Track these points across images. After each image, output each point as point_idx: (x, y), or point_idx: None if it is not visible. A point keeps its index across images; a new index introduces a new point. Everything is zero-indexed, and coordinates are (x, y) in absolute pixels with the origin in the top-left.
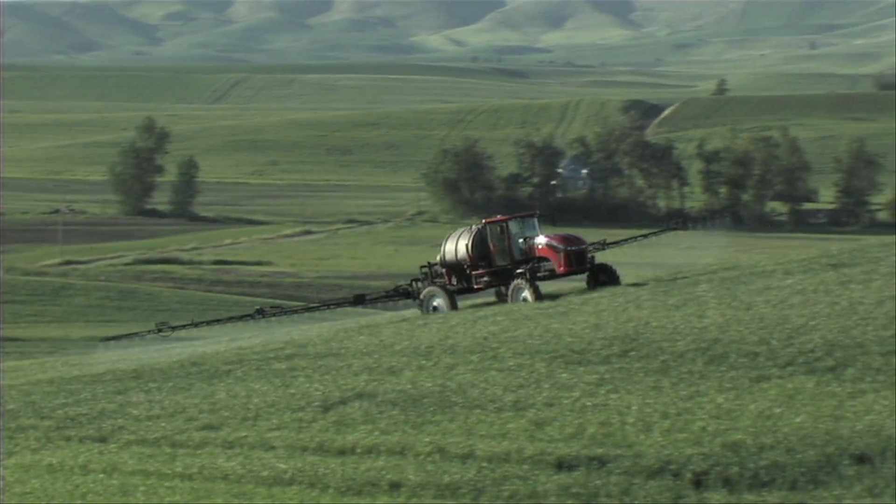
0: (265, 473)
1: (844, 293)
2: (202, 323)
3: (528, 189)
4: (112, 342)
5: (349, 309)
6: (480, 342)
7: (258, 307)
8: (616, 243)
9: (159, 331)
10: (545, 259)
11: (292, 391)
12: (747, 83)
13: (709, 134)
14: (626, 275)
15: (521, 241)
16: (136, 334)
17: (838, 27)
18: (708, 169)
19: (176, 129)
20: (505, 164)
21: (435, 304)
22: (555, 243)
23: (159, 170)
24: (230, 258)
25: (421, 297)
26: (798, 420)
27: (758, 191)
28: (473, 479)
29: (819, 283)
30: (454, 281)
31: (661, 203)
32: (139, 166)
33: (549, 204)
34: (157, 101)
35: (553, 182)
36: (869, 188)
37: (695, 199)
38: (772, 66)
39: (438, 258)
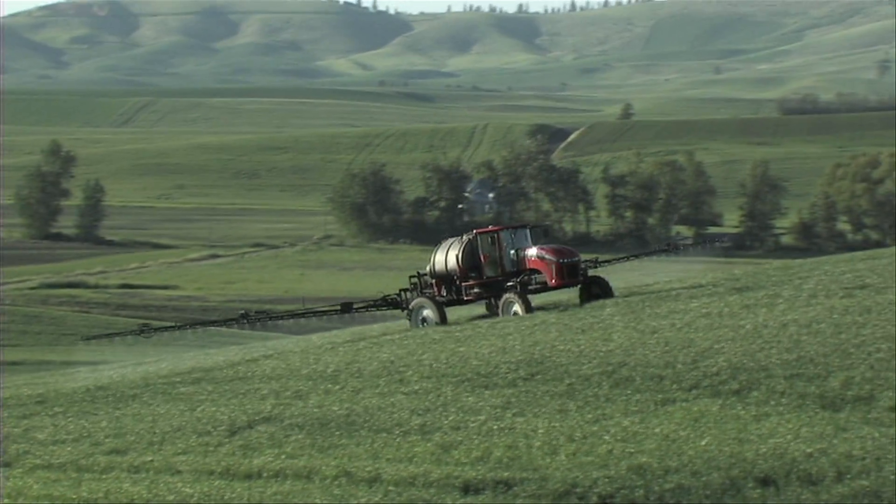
0: (171, 498)
1: (749, 317)
2: (185, 326)
3: (436, 213)
4: (92, 341)
5: (257, 332)
6: (387, 366)
7: (243, 311)
8: (608, 262)
9: (140, 332)
10: (537, 271)
11: (199, 415)
12: (653, 107)
13: (614, 158)
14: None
15: (512, 252)
16: (116, 334)
17: (743, 52)
18: (614, 193)
19: (82, 153)
20: (412, 187)
21: (423, 315)
22: (546, 255)
23: (65, 193)
24: (136, 282)
25: (410, 307)
26: (703, 443)
27: (663, 214)
28: (380, 503)
29: (724, 306)
30: (444, 292)
31: (568, 227)
32: (45, 190)
33: (455, 228)
34: (63, 125)
35: (460, 206)
36: (773, 212)
37: (601, 223)
38: (677, 91)
39: (428, 268)
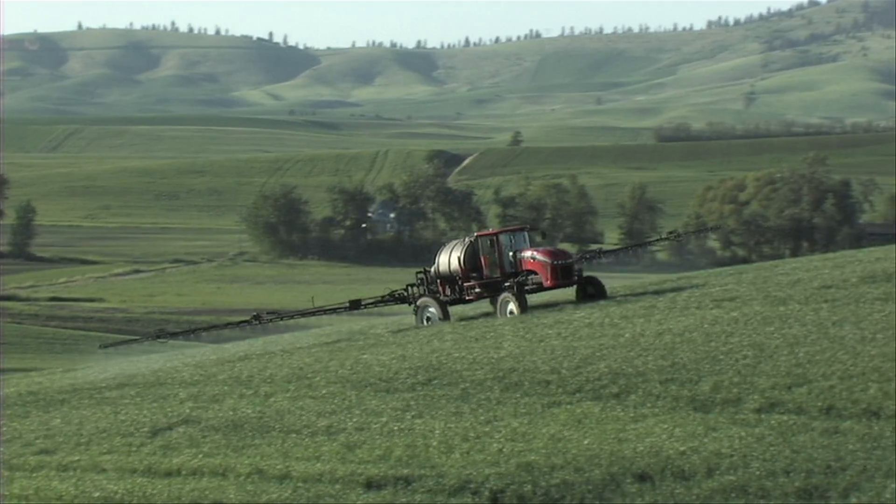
0: (97, 494)
1: (628, 326)
2: (200, 329)
3: (341, 231)
4: (110, 349)
5: (178, 343)
6: (296, 372)
7: (255, 313)
8: (614, 251)
9: (157, 337)
10: (533, 272)
11: (122, 418)
12: (540, 135)
13: (505, 181)
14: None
15: (510, 253)
16: (134, 340)
17: (621, 85)
18: (504, 213)
19: (15, 176)
20: (319, 208)
21: (428, 314)
22: (541, 257)
23: None
24: (65, 295)
25: (417, 304)
26: (586, 442)
27: (550, 233)
28: (289, 498)
29: (605, 316)
30: (448, 291)
31: None
32: None
33: (360, 245)
34: None
35: (364, 225)
36: (650, 231)
37: None
38: (562, 120)
39: (433, 269)
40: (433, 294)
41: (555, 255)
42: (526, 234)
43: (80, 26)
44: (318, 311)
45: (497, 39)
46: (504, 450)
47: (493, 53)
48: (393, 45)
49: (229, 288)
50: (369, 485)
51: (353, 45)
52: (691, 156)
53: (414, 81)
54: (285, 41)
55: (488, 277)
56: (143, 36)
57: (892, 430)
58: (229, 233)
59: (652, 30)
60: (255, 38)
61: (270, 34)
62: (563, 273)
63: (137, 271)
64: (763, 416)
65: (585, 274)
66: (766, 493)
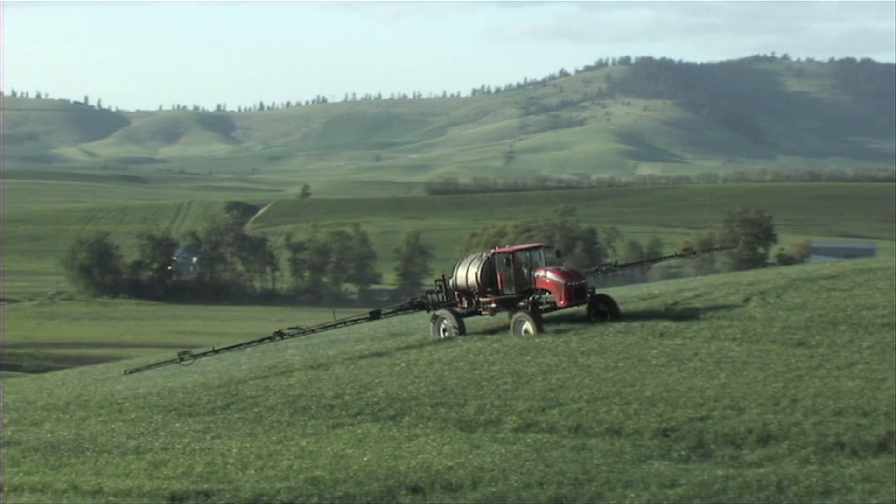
0: None
1: (403, 356)
2: (223, 349)
3: (149, 273)
4: (136, 373)
5: (2, 373)
6: (108, 398)
7: (277, 330)
8: (627, 266)
9: (181, 359)
10: (547, 291)
11: None
12: (326, 188)
13: (295, 229)
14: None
15: (525, 271)
16: (159, 364)
17: (397, 144)
18: (295, 257)
19: None
20: (130, 253)
21: (444, 326)
22: (556, 278)
23: None
24: None
25: (435, 314)
26: (366, 459)
27: (335, 274)
28: None
29: (383, 348)
30: (465, 304)
31: (257, 284)
32: None
33: (166, 285)
34: None
35: (169, 267)
36: (422, 272)
37: (284, 281)
38: (346, 175)
39: (451, 281)
40: (450, 305)
41: (569, 275)
42: (542, 252)
43: None
44: (339, 324)
45: (288, 104)
46: (293, 466)
47: (285, 116)
48: (195, 108)
49: (48, 324)
50: (173, 498)
51: (160, 108)
52: (458, 207)
53: (214, 140)
54: (99, 104)
55: (504, 294)
56: None
57: (631, 446)
58: (48, 274)
59: (424, 96)
60: (72, 101)
61: (86, 98)
62: (576, 293)
63: None
64: (520, 434)
65: (599, 292)
66: (522, 503)
